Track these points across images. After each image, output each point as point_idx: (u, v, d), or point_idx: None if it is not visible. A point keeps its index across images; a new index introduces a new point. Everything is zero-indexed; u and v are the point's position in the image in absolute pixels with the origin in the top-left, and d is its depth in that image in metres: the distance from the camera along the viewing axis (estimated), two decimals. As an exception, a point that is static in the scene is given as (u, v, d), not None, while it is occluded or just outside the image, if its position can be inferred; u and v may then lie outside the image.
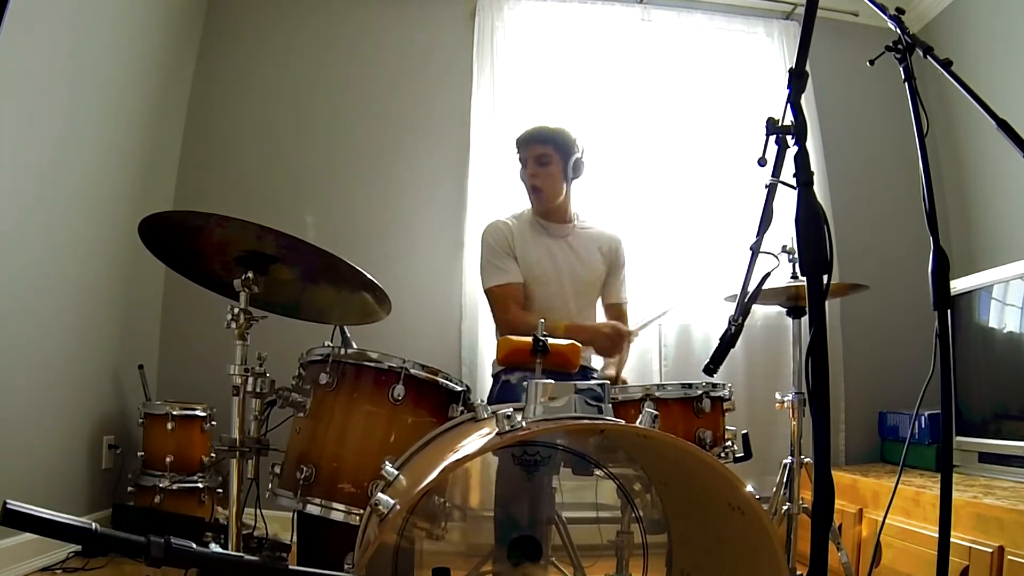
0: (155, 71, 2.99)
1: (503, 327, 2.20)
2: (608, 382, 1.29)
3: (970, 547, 1.88)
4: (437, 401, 1.64)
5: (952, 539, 1.42)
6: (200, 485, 2.49)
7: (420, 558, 1.43)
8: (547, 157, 2.25)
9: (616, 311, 2.37)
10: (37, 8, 2.14)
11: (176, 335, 3.10)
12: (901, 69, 1.42)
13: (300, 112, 3.35)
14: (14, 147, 2.12)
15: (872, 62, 1.53)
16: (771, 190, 1.27)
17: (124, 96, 2.75)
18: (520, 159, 2.30)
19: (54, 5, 2.25)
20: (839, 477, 2.61)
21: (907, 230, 3.06)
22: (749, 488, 1.16)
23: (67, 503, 2.41)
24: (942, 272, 1.36)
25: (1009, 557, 1.78)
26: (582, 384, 1.20)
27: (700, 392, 1.69)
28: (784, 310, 2.19)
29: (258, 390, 1.55)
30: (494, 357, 2.31)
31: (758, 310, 3.11)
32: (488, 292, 2.27)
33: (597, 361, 2.37)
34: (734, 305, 1.34)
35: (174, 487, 2.43)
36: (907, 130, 1.43)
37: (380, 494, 1.14)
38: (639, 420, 1.23)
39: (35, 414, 2.26)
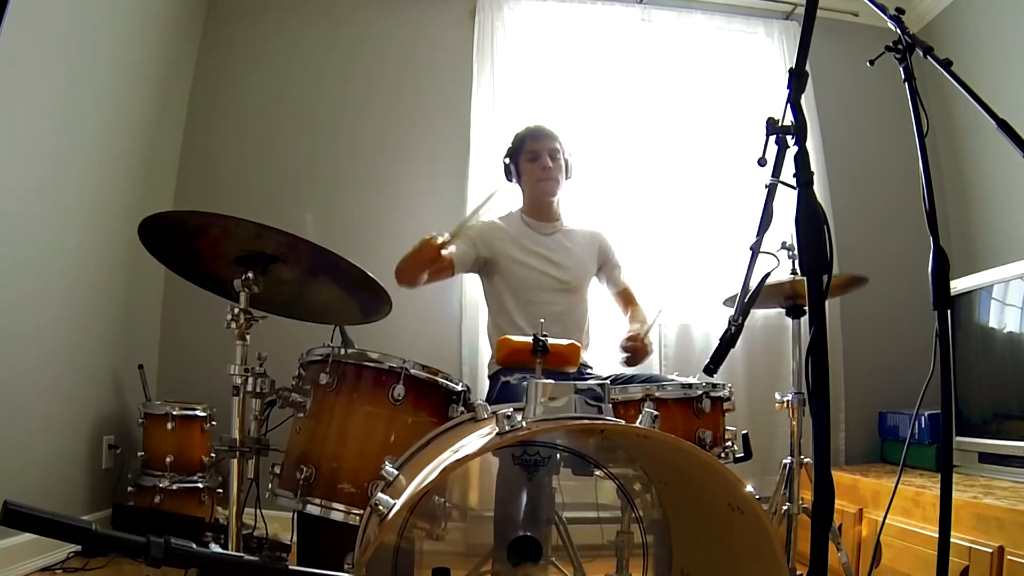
0: (155, 71, 2.99)
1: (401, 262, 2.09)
2: (608, 382, 1.28)
3: (970, 547, 1.88)
4: (437, 401, 1.64)
5: (952, 539, 1.42)
6: (200, 485, 2.49)
7: (420, 558, 1.43)
8: (556, 152, 2.34)
9: (625, 296, 2.43)
10: (37, 8, 2.14)
11: (176, 335, 3.10)
12: (901, 69, 1.42)
13: (300, 112, 3.35)
14: (14, 147, 2.12)
15: (872, 62, 1.53)
16: (771, 190, 1.26)
17: (124, 96, 2.75)
18: (529, 152, 2.34)
19: (54, 5, 2.25)
20: (839, 477, 2.61)
21: (907, 230, 3.06)
22: (749, 488, 1.16)
23: (67, 503, 2.41)
24: (942, 272, 1.36)
25: (1009, 557, 1.78)
26: (582, 384, 1.20)
27: (700, 392, 1.69)
28: (784, 310, 2.18)
29: (258, 390, 1.55)
30: (491, 358, 2.33)
31: (758, 310, 3.11)
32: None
33: (596, 360, 2.37)
34: (734, 305, 1.34)
35: (174, 487, 2.43)
36: (907, 130, 1.43)
37: (380, 494, 1.14)
38: (639, 420, 1.23)
39: (35, 414, 2.26)
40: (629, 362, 2.13)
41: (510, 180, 2.42)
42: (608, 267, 2.45)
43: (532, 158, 2.33)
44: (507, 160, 2.41)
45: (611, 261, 2.46)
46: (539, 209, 2.38)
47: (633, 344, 2.10)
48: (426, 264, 2.01)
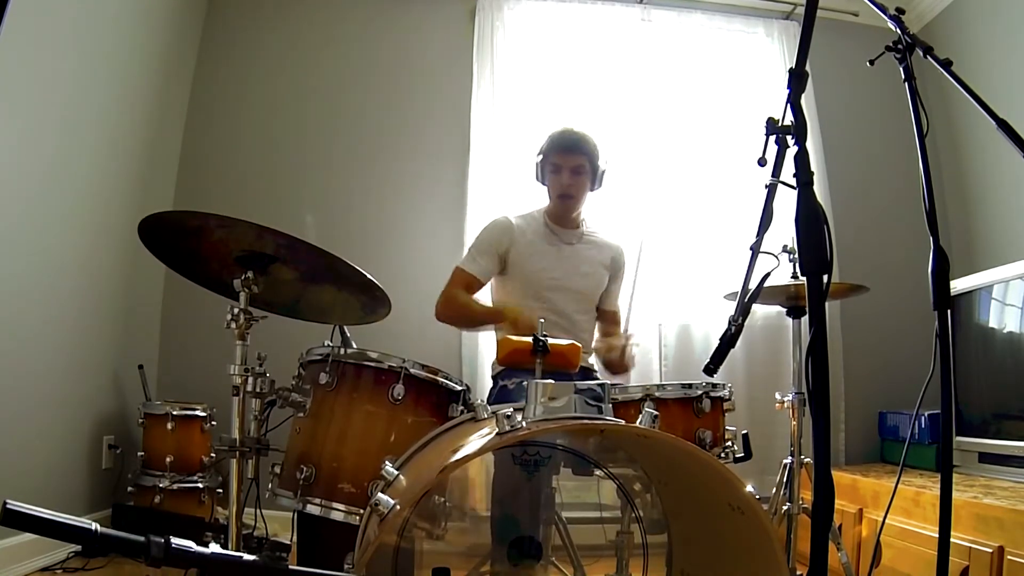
0: (155, 71, 2.99)
1: (440, 300, 2.27)
2: (608, 383, 1.28)
3: (970, 547, 1.88)
4: (437, 401, 1.64)
5: (952, 539, 1.42)
6: (200, 485, 2.49)
7: (420, 558, 1.43)
8: (582, 168, 2.25)
9: (611, 317, 2.40)
10: (38, 8, 2.14)
11: (176, 335, 3.10)
12: (901, 69, 1.42)
13: (300, 112, 3.35)
14: (15, 147, 2.12)
15: (872, 62, 1.53)
16: (771, 190, 1.27)
17: (124, 96, 2.75)
18: (552, 164, 2.26)
19: (54, 6, 2.25)
20: (839, 477, 2.61)
21: (907, 230, 3.06)
22: (749, 488, 1.15)
23: (67, 503, 2.41)
24: (942, 272, 1.36)
25: (1009, 557, 1.78)
26: (582, 384, 1.20)
27: (700, 392, 1.69)
28: (784, 310, 2.19)
29: (258, 390, 1.55)
30: (494, 358, 2.32)
31: (758, 310, 3.11)
32: (455, 269, 2.30)
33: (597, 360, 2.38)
34: (734, 305, 1.34)
35: (174, 487, 2.43)
36: (907, 130, 1.43)
37: (380, 494, 1.14)
38: (639, 420, 1.23)
39: (35, 414, 2.26)
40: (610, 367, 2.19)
41: (539, 180, 2.35)
42: (611, 283, 2.41)
43: (553, 171, 2.27)
44: (538, 159, 2.32)
45: (617, 277, 2.42)
46: (560, 216, 2.34)
47: (611, 349, 2.19)
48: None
